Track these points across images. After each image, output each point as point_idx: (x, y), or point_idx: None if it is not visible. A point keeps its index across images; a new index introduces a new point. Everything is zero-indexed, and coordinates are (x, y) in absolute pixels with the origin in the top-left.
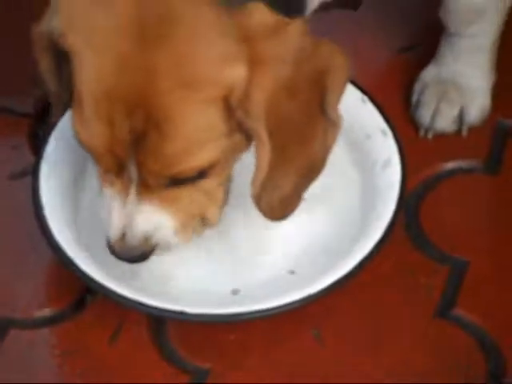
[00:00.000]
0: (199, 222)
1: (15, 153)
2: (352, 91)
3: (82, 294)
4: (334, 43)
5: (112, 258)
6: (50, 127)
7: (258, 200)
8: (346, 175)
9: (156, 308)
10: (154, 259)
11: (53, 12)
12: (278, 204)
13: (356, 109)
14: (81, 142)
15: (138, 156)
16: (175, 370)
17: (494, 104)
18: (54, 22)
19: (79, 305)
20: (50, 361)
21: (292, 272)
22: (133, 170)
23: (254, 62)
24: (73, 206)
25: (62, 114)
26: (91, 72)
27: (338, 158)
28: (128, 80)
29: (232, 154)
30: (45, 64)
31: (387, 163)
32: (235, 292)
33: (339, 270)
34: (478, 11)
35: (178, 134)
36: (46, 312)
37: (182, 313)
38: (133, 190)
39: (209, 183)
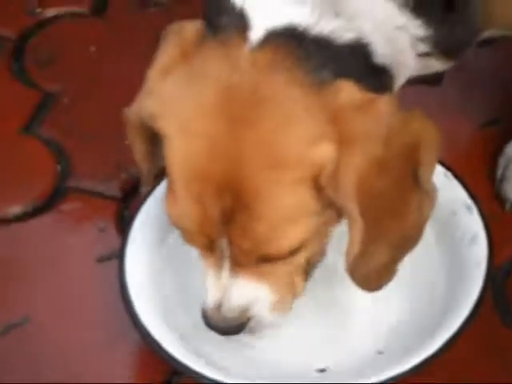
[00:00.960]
0: (292, 295)
1: (102, 236)
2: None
3: (170, 375)
4: (423, 114)
5: (199, 336)
6: (136, 210)
7: (353, 273)
8: (432, 252)
9: None
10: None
11: (145, 94)
12: (372, 276)
13: (440, 184)
14: (174, 224)
15: (229, 235)
16: None
17: None
18: (147, 104)
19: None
20: None
21: (381, 352)
22: (225, 248)
23: (343, 141)
24: (159, 286)
25: (151, 187)
26: (182, 155)
27: (424, 234)
28: (217, 163)
29: (324, 229)
30: (137, 145)
31: (473, 240)
32: (322, 371)
33: (427, 349)
34: None
35: (268, 215)
36: None
37: None
38: (226, 265)
39: (300, 257)
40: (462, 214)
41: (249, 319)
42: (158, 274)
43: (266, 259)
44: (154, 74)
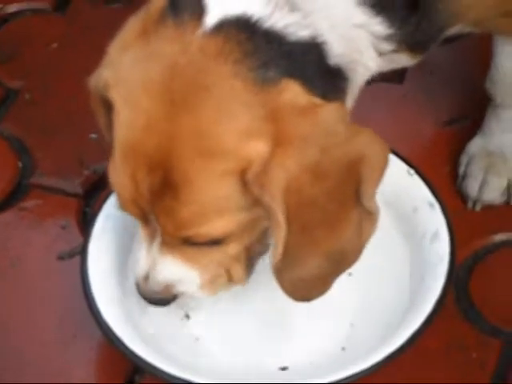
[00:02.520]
0: (225, 280)
1: (64, 233)
2: (398, 164)
3: (131, 373)
4: (374, 132)
5: (162, 337)
6: (98, 207)
7: (279, 277)
8: (394, 248)
9: None
10: (202, 336)
11: (104, 65)
12: (300, 284)
13: (403, 181)
14: (112, 186)
15: (155, 212)
16: None
17: None
18: (103, 74)
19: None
20: None
21: (343, 348)
22: (155, 223)
23: (277, 141)
24: (121, 284)
25: None
26: (123, 126)
27: (386, 230)
28: (153, 140)
29: (253, 226)
30: (99, 114)
31: (436, 236)
32: (284, 369)
33: (390, 345)
34: None
35: (192, 200)
36: None
37: None
38: (158, 240)
39: (231, 248)
40: (425, 210)
41: (175, 295)
42: (120, 271)
43: (190, 242)
44: (114, 47)
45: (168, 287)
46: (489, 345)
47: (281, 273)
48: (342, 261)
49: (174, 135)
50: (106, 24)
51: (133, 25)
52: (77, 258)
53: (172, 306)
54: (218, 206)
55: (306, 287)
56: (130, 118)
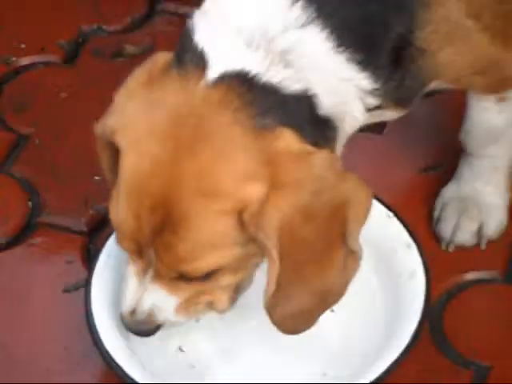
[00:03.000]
0: (206, 307)
1: (69, 267)
2: (378, 207)
3: None
4: (360, 178)
5: (163, 365)
6: (101, 244)
7: (271, 311)
8: (371, 285)
9: None
10: (199, 364)
11: (110, 112)
12: (290, 318)
13: (382, 224)
14: (112, 222)
15: (155, 247)
16: None
17: (510, 218)
18: (110, 121)
19: None
20: None
21: (324, 374)
22: (151, 257)
23: (273, 185)
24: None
25: None
26: (129, 168)
27: (366, 268)
28: (157, 182)
29: (246, 261)
30: (103, 157)
31: (412, 275)
32: None
33: (369, 373)
34: (496, 135)
35: (191, 236)
36: None
37: None
38: (150, 273)
39: (225, 280)
40: (402, 251)
41: (159, 325)
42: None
43: (184, 276)
44: (120, 96)
45: (149, 316)
46: (460, 375)
47: (272, 307)
48: (328, 297)
49: (176, 178)
50: (111, 76)
51: (138, 75)
52: (81, 291)
53: (166, 336)
54: (215, 242)
55: (294, 321)
56: (136, 161)
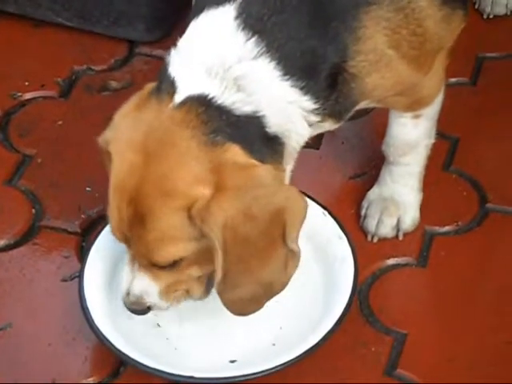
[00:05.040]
0: (184, 294)
1: (66, 261)
2: (315, 207)
3: (117, 365)
4: (297, 191)
5: (142, 338)
6: (91, 243)
7: (220, 296)
8: (312, 270)
9: (172, 374)
10: (172, 337)
11: (108, 128)
12: (238, 302)
13: (319, 220)
14: (107, 216)
15: (132, 237)
16: None
17: (421, 215)
18: (106, 134)
19: (116, 374)
20: None
21: (273, 344)
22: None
23: (217, 188)
24: (108, 298)
25: (104, 224)
26: (114, 171)
27: (305, 257)
28: (131, 181)
29: (206, 255)
30: (106, 162)
31: (344, 260)
32: (233, 361)
33: (310, 341)
34: (411, 146)
35: (154, 228)
36: (90, 380)
37: (191, 377)
38: (135, 261)
39: (193, 271)
40: (336, 241)
41: (149, 306)
42: (107, 289)
43: (156, 265)
44: (118, 115)
45: (139, 299)
46: (384, 341)
47: (221, 293)
48: (272, 288)
49: (144, 179)
50: (99, 107)
51: (132, 100)
52: (76, 280)
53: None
54: (173, 234)
55: (242, 305)
56: (119, 166)
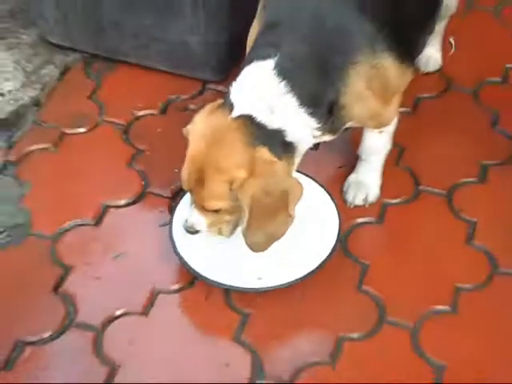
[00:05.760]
0: (218, 230)
1: (162, 214)
2: (315, 185)
3: (192, 278)
4: (298, 179)
5: (206, 257)
6: (176, 203)
7: (245, 238)
8: (309, 223)
9: (219, 283)
10: (224, 263)
11: (190, 123)
12: (256, 243)
13: (318, 193)
14: (181, 177)
15: (195, 190)
16: None
17: (381, 192)
18: (188, 127)
19: (192, 282)
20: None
21: (286, 268)
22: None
23: (250, 173)
24: (185, 235)
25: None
26: (190, 150)
27: (304, 212)
28: (198, 158)
29: (236, 210)
30: (187, 145)
31: (332, 217)
32: (259, 278)
33: (311, 266)
34: (376, 150)
35: (208, 188)
36: (176, 286)
37: (234, 287)
38: (194, 203)
39: (226, 217)
40: (327, 205)
41: (197, 230)
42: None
43: (205, 209)
44: (196, 116)
45: (193, 226)
46: (355, 268)
47: (245, 237)
48: (276, 235)
49: (205, 158)
50: (183, 120)
51: (207, 108)
52: (167, 226)
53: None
54: (218, 194)
55: (259, 245)
56: (191, 148)
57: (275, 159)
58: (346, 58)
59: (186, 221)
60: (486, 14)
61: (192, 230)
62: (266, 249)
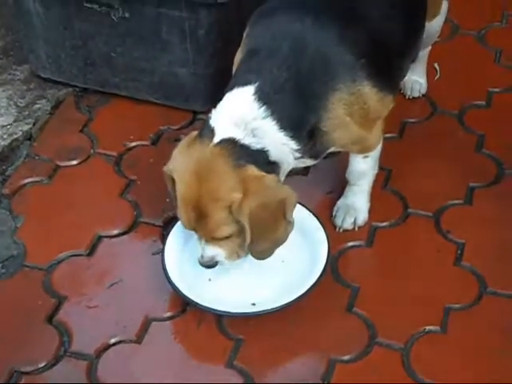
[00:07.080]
0: (236, 256)
1: (154, 243)
2: (305, 210)
3: (185, 305)
4: (291, 188)
5: (200, 289)
6: (168, 232)
7: (250, 250)
8: (301, 248)
9: (215, 310)
10: (217, 288)
11: (170, 161)
12: (260, 252)
13: (308, 219)
14: (179, 218)
15: (198, 227)
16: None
17: (369, 215)
18: (170, 165)
19: (184, 310)
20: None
21: (278, 293)
22: (199, 232)
23: (245, 193)
24: (180, 264)
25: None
26: (180, 189)
27: (298, 240)
28: (191, 195)
29: (243, 233)
30: (169, 185)
31: (322, 242)
32: (253, 304)
33: (302, 290)
34: (363, 174)
35: (212, 220)
36: (169, 314)
37: (230, 312)
38: (203, 239)
39: (238, 241)
40: (318, 231)
41: (216, 262)
42: (179, 258)
43: (215, 239)
44: (176, 152)
45: (210, 259)
46: (345, 291)
47: (250, 249)
48: (277, 243)
49: (200, 192)
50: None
51: (183, 141)
52: (160, 255)
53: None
54: (223, 221)
55: (262, 254)
56: (182, 186)
57: (264, 173)
58: (326, 85)
59: (202, 257)
60: (469, 39)
61: (211, 264)
62: (271, 255)
